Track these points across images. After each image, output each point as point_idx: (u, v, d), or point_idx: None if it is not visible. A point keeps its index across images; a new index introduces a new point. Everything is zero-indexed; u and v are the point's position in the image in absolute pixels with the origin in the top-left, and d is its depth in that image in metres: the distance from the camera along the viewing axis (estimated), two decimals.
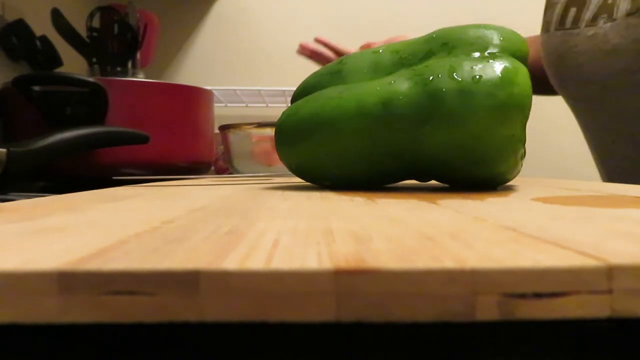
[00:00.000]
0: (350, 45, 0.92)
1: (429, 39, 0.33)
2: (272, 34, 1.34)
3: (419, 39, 0.34)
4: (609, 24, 0.60)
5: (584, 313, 0.11)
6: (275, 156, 0.70)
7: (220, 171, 0.99)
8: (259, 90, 1.23)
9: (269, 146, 0.73)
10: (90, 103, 0.62)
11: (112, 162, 0.64)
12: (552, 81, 0.73)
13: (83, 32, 0.76)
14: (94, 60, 0.75)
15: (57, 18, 0.74)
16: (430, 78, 0.30)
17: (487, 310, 0.11)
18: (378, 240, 0.14)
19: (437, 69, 0.30)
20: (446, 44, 0.32)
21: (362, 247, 0.13)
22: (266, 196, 0.30)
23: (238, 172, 0.76)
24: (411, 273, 0.11)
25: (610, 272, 0.11)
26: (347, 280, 0.11)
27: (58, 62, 0.82)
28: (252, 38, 1.34)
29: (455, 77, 0.29)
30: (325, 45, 0.86)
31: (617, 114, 0.64)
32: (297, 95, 0.37)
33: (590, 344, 0.12)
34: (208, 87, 0.82)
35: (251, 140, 0.75)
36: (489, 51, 0.30)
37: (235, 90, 1.23)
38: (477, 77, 0.29)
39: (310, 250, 0.13)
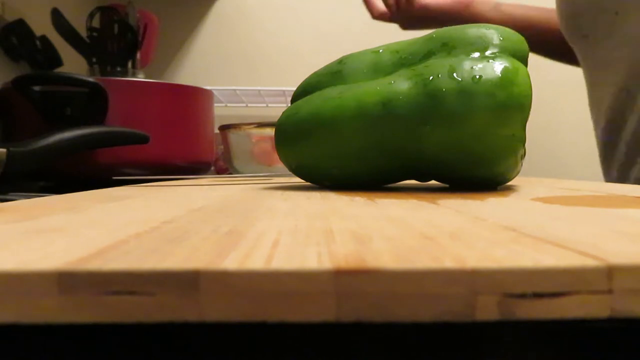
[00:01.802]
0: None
1: (429, 39, 0.33)
2: (272, 34, 1.34)
3: (419, 39, 0.34)
4: None
5: (584, 313, 0.11)
6: (275, 156, 0.70)
7: (220, 171, 0.99)
8: (259, 90, 1.23)
9: (269, 146, 0.73)
10: (90, 103, 0.62)
11: (112, 162, 0.64)
12: (563, 20, 0.72)
13: (83, 32, 0.76)
14: (94, 60, 0.75)
15: (57, 18, 0.74)
16: (430, 78, 0.30)
17: (487, 310, 0.11)
18: (378, 240, 0.14)
19: (437, 69, 0.30)
20: (446, 44, 0.32)
21: (362, 247, 0.13)
22: (266, 196, 0.30)
23: (238, 172, 0.76)
24: (411, 273, 0.11)
25: (610, 272, 0.11)
26: (347, 280, 0.11)
27: (58, 62, 0.82)
28: (252, 38, 1.34)
29: (455, 77, 0.29)
30: None
31: (629, 43, 0.63)
32: (297, 96, 0.37)
33: (590, 344, 0.12)
34: (208, 87, 0.82)
35: (251, 140, 0.75)
36: (488, 51, 0.30)
37: (235, 90, 1.23)
38: (477, 77, 0.29)
39: (310, 250, 0.13)
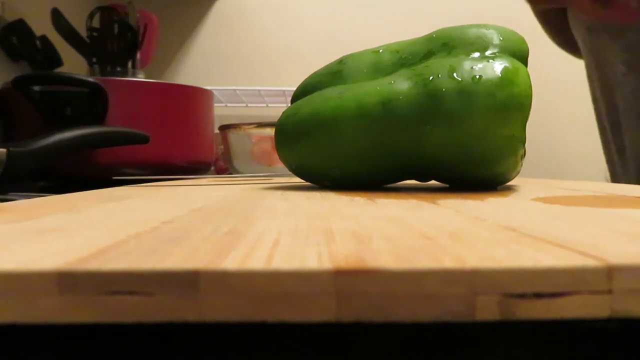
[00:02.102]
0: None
1: (429, 39, 0.33)
2: (272, 34, 1.34)
3: (419, 39, 0.34)
4: None
5: (584, 313, 0.11)
6: (275, 156, 0.70)
7: (220, 171, 0.99)
8: (259, 90, 1.23)
9: (269, 146, 0.73)
10: (90, 103, 0.62)
11: (112, 162, 0.64)
12: (569, 13, 0.71)
13: (83, 32, 0.76)
14: (94, 60, 0.75)
15: (57, 18, 0.74)
16: (430, 78, 0.30)
17: (487, 310, 0.11)
18: (378, 240, 0.14)
19: (437, 69, 0.30)
20: (446, 44, 0.32)
21: (362, 247, 0.13)
22: (266, 196, 0.30)
23: (238, 172, 0.76)
24: (411, 273, 0.11)
25: (610, 272, 0.11)
26: (347, 280, 0.11)
27: (58, 62, 0.82)
28: (252, 38, 1.34)
29: (455, 77, 0.29)
30: None
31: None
32: (297, 96, 0.37)
33: (590, 344, 0.12)
34: (208, 87, 0.82)
35: (251, 140, 0.75)
36: (488, 51, 0.30)
37: (235, 90, 1.23)
38: (477, 77, 0.29)
39: (310, 250, 0.13)
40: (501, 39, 0.31)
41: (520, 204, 0.23)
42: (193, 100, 0.73)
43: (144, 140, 0.61)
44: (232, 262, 0.11)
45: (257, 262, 0.11)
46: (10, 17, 0.78)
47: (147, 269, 0.11)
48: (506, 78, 0.29)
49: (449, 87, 0.29)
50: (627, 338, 0.12)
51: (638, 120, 0.67)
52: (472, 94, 0.29)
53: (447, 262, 0.11)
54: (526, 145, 0.31)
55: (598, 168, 0.77)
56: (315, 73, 0.37)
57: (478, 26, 0.32)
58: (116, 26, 0.75)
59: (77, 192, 0.34)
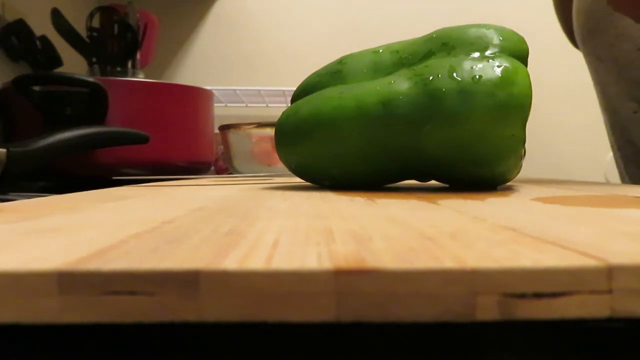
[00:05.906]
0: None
1: (429, 39, 0.33)
2: (272, 34, 1.34)
3: (419, 39, 0.34)
4: None
5: (584, 313, 0.11)
6: (275, 156, 0.70)
7: (220, 171, 0.99)
8: (258, 90, 1.23)
9: (269, 146, 0.73)
10: (90, 103, 0.62)
11: (112, 162, 0.64)
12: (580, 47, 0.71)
13: (83, 32, 0.76)
14: (94, 60, 0.75)
15: (57, 18, 0.74)
16: (430, 78, 0.30)
17: (487, 310, 0.11)
18: (378, 240, 0.14)
19: (437, 69, 0.30)
20: (446, 44, 0.32)
21: (362, 247, 0.13)
22: (266, 196, 0.30)
23: (238, 172, 0.76)
24: (411, 273, 0.11)
25: (610, 272, 0.11)
26: (347, 280, 0.11)
27: (58, 62, 0.82)
28: (252, 38, 1.34)
29: (455, 77, 0.29)
30: None
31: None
32: (297, 95, 0.37)
33: (590, 344, 0.12)
34: (208, 87, 0.82)
35: (251, 140, 0.75)
36: (488, 51, 0.30)
37: (235, 90, 1.22)
38: (477, 77, 0.29)
39: (310, 250, 0.13)
40: (501, 39, 0.31)
41: (520, 204, 0.23)
42: (193, 100, 0.73)
43: (144, 140, 0.61)
44: (232, 262, 0.11)
45: (257, 262, 0.11)
46: (10, 17, 0.78)
47: (147, 269, 0.11)
48: (506, 78, 0.29)
49: (449, 87, 0.29)
50: (627, 338, 0.12)
51: None
52: (472, 94, 0.29)
53: (447, 262, 0.11)
54: (526, 145, 0.31)
55: (598, 168, 0.77)
56: (315, 73, 0.37)
57: (478, 26, 0.32)
58: (116, 26, 0.75)
59: (77, 192, 0.34)
